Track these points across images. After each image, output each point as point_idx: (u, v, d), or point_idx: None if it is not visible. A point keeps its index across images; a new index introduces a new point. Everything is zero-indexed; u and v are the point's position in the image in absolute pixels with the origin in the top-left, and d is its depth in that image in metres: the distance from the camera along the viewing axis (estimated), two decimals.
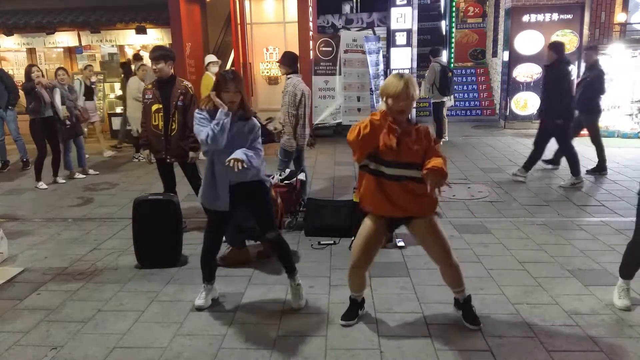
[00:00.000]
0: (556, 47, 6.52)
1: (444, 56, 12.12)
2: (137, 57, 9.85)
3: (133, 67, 10.08)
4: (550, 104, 6.47)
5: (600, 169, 7.05)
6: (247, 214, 3.61)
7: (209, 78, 8.20)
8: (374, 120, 2.91)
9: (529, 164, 6.80)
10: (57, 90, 7.27)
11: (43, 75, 7.04)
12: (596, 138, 7.08)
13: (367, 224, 3.14)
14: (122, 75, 9.43)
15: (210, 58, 8.56)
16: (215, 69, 8.33)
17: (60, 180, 7.31)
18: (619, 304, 3.40)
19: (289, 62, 5.38)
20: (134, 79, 8.52)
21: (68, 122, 7.12)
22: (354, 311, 3.32)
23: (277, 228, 3.57)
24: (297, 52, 10.23)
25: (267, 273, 4.10)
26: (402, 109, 2.91)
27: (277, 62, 5.65)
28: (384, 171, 2.97)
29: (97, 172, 7.87)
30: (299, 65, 5.63)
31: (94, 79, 9.61)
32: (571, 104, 6.52)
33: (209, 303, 3.57)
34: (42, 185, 6.95)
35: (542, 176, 6.98)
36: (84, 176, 7.67)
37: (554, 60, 6.46)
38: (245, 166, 3.13)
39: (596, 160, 7.08)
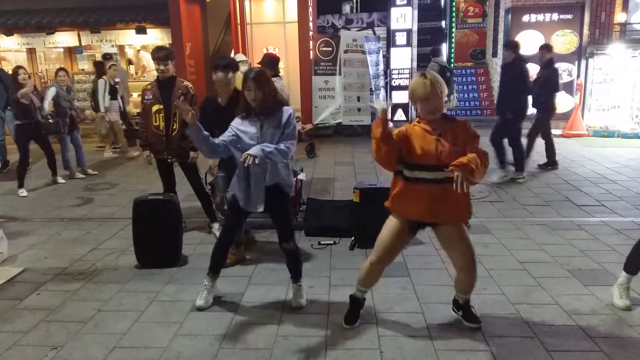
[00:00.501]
0: (514, 46, 6.71)
1: (444, 56, 12.13)
2: (107, 56, 9.85)
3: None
4: (505, 101, 6.70)
5: (551, 164, 7.34)
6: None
7: (238, 77, 8.24)
8: (402, 130, 2.91)
9: (519, 165, 6.86)
10: (53, 89, 7.28)
11: (30, 77, 6.93)
12: (547, 134, 7.34)
13: (394, 222, 3.06)
14: (95, 75, 9.38)
15: (239, 57, 8.56)
16: (244, 67, 8.33)
17: (60, 180, 7.30)
18: (620, 303, 3.40)
19: (269, 65, 5.23)
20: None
21: (50, 119, 6.98)
22: (356, 312, 3.31)
23: (294, 239, 3.56)
24: (297, 52, 10.29)
25: (267, 273, 4.10)
26: (435, 109, 2.87)
27: (257, 64, 5.42)
28: (424, 177, 2.88)
29: (96, 172, 7.85)
30: (278, 67, 5.59)
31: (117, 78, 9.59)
32: (526, 102, 6.73)
33: (209, 303, 3.56)
34: (22, 192, 6.71)
35: (542, 176, 6.98)
36: (84, 176, 7.67)
37: (512, 59, 6.66)
38: (257, 161, 3.11)
39: (595, 158, 7.09)
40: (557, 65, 7.50)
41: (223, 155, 3.42)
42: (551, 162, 7.38)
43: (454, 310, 3.31)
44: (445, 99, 2.92)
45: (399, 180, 3.00)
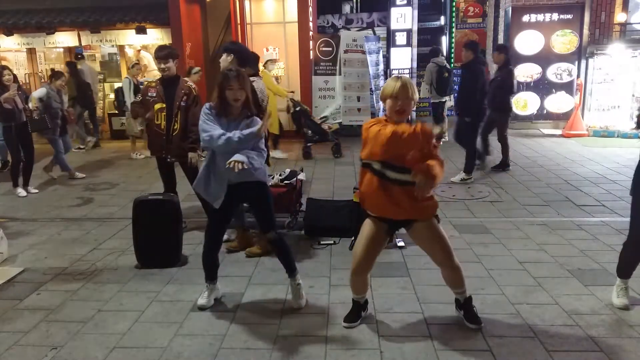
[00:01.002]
0: (473, 47, 6.78)
1: (445, 55, 12.13)
2: (79, 56, 9.76)
3: (79, 65, 10.10)
4: (463, 102, 6.79)
5: (503, 165, 7.38)
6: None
7: (267, 76, 8.24)
8: (371, 127, 2.92)
9: (468, 166, 6.88)
10: (43, 89, 7.20)
11: (16, 78, 6.73)
12: (502, 135, 7.37)
13: (367, 227, 3.11)
14: (68, 75, 9.29)
15: (269, 56, 8.56)
16: (272, 67, 8.34)
17: (33, 189, 6.88)
18: (617, 303, 3.41)
19: (251, 64, 4.95)
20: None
21: (35, 116, 6.84)
22: (357, 313, 3.31)
23: (276, 228, 3.56)
24: (297, 52, 10.28)
25: (267, 273, 4.10)
26: (402, 108, 2.91)
27: (226, 53, 5.09)
28: (388, 175, 2.93)
29: (84, 175, 7.73)
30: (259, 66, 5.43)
31: (140, 77, 9.58)
32: (483, 103, 6.78)
33: (211, 302, 3.57)
34: (20, 192, 6.67)
35: (542, 176, 6.97)
36: (83, 175, 7.66)
37: (470, 60, 6.72)
38: (246, 167, 3.14)
39: (595, 158, 7.09)
40: (512, 66, 7.60)
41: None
42: (503, 164, 7.38)
43: (456, 310, 3.31)
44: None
45: (367, 174, 3.03)
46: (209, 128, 3.25)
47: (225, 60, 4.33)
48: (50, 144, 7.36)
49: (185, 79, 4.93)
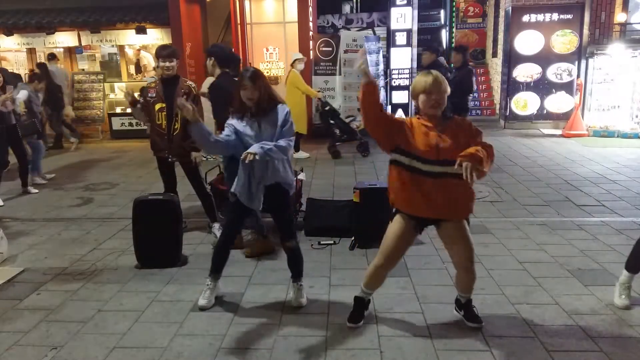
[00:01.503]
0: (434, 48, 7.10)
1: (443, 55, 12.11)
2: (51, 56, 9.69)
3: (49, 67, 10.02)
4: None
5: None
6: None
7: (296, 75, 8.26)
8: (404, 119, 2.94)
9: None
10: (25, 92, 7.03)
11: (5, 80, 6.66)
12: None
13: (397, 224, 3.04)
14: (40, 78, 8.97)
15: (296, 55, 8.55)
16: (301, 66, 8.35)
17: (33, 190, 6.83)
18: (619, 303, 3.40)
19: (231, 63, 4.71)
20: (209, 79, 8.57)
21: (25, 120, 6.80)
22: (361, 312, 3.30)
23: (296, 237, 3.58)
24: (297, 52, 10.27)
25: (267, 273, 4.10)
26: (436, 102, 2.88)
27: (208, 56, 4.80)
28: (420, 167, 2.88)
29: (48, 180, 7.40)
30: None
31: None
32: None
33: (212, 302, 3.56)
34: None
35: (542, 176, 6.97)
36: (46, 181, 7.31)
37: (432, 61, 6.92)
38: (257, 158, 3.11)
39: (595, 158, 7.09)
40: (470, 66, 7.71)
41: (223, 152, 3.40)
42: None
43: (456, 310, 3.31)
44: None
45: (398, 171, 2.98)
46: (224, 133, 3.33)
47: (208, 63, 4.39)
48: (30, 147, 6.98)
49: (185, 78, 4.92)
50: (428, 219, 3.03)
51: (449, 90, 2.93)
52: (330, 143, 8.69)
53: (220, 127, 4.29)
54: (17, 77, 8.98)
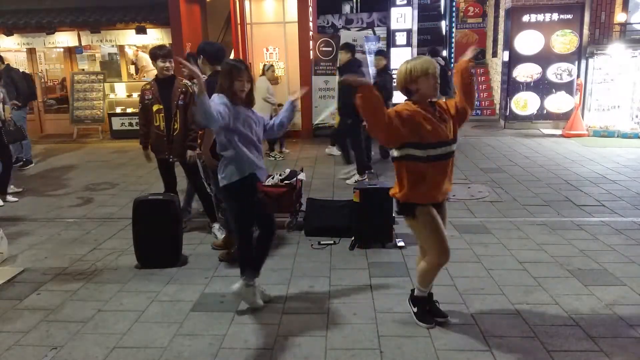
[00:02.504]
0: (350, 48, 7.19)
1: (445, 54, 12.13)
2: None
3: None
4: (345, 105, 6.93)
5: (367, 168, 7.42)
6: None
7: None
8: (401, 110, 2.94)
9: (360, 166, 6.98)
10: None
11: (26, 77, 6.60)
12: (368, 138, 7.40)
13: (429, 216, 3.00)
14: None
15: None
16: (346, 56, 8.27)
17: (11, 198, 6.44)
18: None
19: (213, 59, 4.42)
20: (262, 79, 8.54)
21: (10, 127, 6.44)
22: (427, 311, 3.27)
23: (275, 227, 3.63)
24: (297, 52, 10.29)
25: (267, 273, 4.10)
26: (436, 82, 2.93)
27: (197, 54, 4.61)
28: (436, 154, 2.93)
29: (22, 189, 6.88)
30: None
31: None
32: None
33: (261, 302, 3.53)
34: None
35: (542, 176, 6.98)
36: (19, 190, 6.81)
37: (347, 61, 7.05)
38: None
39: (595, 158, 7.10)
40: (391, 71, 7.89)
41: (213, 123, 3.30)
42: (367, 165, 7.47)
43: (409, 302, 3.38)
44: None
45: (412, 165, 2.97)
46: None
47: (198, 62, 4.39)
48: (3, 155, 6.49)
49: (180, 77, 4.91)
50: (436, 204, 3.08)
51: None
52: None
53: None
54: (27, 78, 8.98)
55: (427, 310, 3.28)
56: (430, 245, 3.07)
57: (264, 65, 8.98)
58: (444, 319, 3.25)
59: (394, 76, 7.25)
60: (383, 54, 7.84)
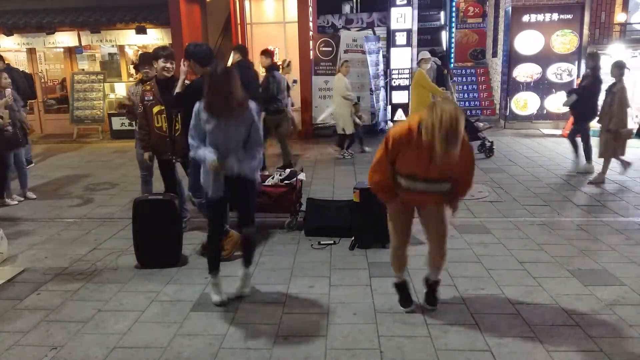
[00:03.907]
0: (242, 50, 7.20)
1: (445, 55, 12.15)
2: None
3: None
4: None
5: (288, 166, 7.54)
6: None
7: (422, 74, 8.09)
8: (399, 137, 3.03)
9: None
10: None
11: (32, 78, 6.42)
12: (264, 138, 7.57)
13: (394, 208, 3.29)
14: None
15: (423, 55, 8.47)
16: (426, 65, 8.21)
17: (12, 202, 6.28)
18: None
19: (204, 58, 4.33)
20: (339, 76, 8.55)
21: (9, 129, 6.03)
22: (407, 294, 3.52)
23: (254, 225, 3.69)
24: (297, 52, 10.29)
25: (267, 273, 4.10)
26: (450, 157, 2.82)
27: (185, 60, 4.40)
28: (417, 187, 3.11)
29: (35, 197, 6.55)
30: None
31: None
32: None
33: (224, 296, 3.61)
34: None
35: (542, 176, 6.98)
36: (22, 199, 6.44)
37: (237, 62, 7.07)
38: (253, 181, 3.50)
39: (595, 158, 7.09)
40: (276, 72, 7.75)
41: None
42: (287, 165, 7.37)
43: (424, 285, 3.52)
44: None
45: (388, 175, 3.18)
46: (194, 143, 3.44)
47: (184, 65, 4.36)
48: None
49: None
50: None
51: (460, 140, 2.92)
52: None
53: None
54: (27, 77, 9.00)
55: (405, 295, 3.50)
56: (390, 232, 3.40)
57: (283, 60, 8.98)
58: (433, 307, 3.43)
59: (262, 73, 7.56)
60: (266, 53, 7.63)
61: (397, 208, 3.28)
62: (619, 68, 6.63)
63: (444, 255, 3.35)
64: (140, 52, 4.68)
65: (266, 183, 5.05)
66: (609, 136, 6.52)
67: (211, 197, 3.50)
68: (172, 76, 4.68)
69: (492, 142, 8.39)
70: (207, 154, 3.35)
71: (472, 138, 8.41)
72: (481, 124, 8.87)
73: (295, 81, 9.34)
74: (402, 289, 3.53)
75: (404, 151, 3.02)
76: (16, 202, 6.33)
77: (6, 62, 8.54)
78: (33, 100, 9.92)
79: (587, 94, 6.95)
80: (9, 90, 6.15)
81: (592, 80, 6.96)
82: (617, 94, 6.48)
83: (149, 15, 10.69)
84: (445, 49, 15.18)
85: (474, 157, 3.19)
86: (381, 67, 10.69)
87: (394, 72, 10.58)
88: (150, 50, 5.80)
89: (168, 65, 4.58)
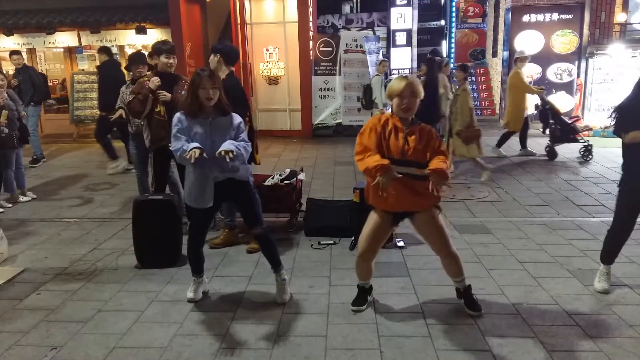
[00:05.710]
0: (107, 50, 7.79)
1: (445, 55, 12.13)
2: (14, 52, 9.20)
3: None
4: (102, 98, 7.59)
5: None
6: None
7: (519, 73, 8.00)
8: (373, 126, 3.14)
9: (110, 154, 7.71)
10: None
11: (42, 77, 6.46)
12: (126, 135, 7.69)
13: (373, 217, 3.27)
14: None
15: (519, 54, 8.39)
16: (522, 64, 8.09)
17: (7, 204, 6.16)
18: (598, 287, 3.63)
19: (232, 57, 4.40)
20: (377, 78, 8.75)
21: (6, 130, 5.84)
22: (363, 298, 3.48)
23: (262, 224, 3.60)
24: (297, 52, 10.28)
25: (267, 273, 4.09)
26: (407, 106, 3.08)
27: (215, 54, 4.39)
28: (397, 170, 3.06)
29: (35, 196, 6.50)
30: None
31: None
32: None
33: (199, 296, 3.65)
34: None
35: (542, 176, 6.98)
36: (28, 199, 6.41)
37: (105, 61, 7.63)
38: (235, 154, 3.21)
39: (595, 158, 7.11)
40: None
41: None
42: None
43: (458, 299, 3.45)
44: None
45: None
46: (178, 144, 3.30)
47: (212, 60, 4.35)
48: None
49: (181, 75, 4.88)
50: (401, 213, 3.26)
51: (422, 96, 3.12)
52: (549, 143, 8.04)
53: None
54: (42, 77, 9.05)
55: (362, 298, 3.47)
56: (360, 238, 3.35)
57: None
58: (477, 312, 3.33)
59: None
60: (105, 50, 7.99)
61: (379, 214, 3.23)
62: (463, 71, 6.78)
63: (455, 257, 3.31)
64: (130, 53, 4.63)
65: (266, 183, 5.06)
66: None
67: (198, 207, 3.41)
68: (173, 73, 4.65)
69: (591, 145, 7.81)
70: (189, 145, 3.22)
71: (568, 140, 7.96)
72: (581, 125, 8.40)
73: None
74: (363, 291, 3.49)
75: (379, 140, 3.10)
76: (29, 199, 6.38)
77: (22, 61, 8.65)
78: (46, 100, 10.07)
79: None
80: (3, 91, 5.95)
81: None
82: (460, 96, 6.58)
83: (149, 15, 10.69)
84: (445, 54, 15.15)
85: (439, 136, 3.25)
86: None
87: (394, 72, 10.58)
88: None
89: (171, 60, 4.55)
